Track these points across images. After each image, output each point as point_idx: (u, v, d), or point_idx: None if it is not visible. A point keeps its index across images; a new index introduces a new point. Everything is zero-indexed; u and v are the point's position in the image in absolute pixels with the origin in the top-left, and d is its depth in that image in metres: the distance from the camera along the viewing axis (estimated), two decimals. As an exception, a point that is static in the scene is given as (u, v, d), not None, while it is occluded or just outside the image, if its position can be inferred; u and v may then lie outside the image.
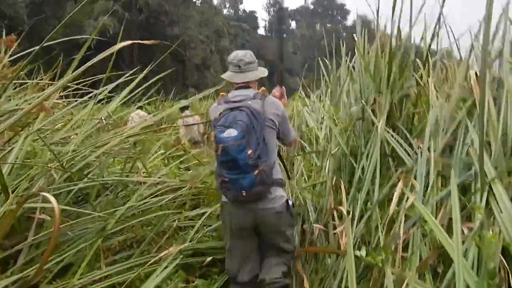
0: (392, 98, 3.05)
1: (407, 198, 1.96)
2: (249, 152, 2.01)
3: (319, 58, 5.76)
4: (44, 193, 1.59)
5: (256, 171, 2.03)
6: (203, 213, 3.04)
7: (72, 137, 2.82)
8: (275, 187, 2.19)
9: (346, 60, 4.65)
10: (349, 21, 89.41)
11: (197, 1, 43.04)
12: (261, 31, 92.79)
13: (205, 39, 39.02)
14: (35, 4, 31.14)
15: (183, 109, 6.92)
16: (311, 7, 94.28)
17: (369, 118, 3.13)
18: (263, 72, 2.42)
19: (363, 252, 1.83)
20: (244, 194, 2.06)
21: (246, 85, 2.32)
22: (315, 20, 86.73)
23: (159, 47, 35.27)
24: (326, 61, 5.27)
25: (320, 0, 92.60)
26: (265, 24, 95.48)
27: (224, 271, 2.55)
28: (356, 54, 4.22)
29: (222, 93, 2.33)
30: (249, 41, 72.01)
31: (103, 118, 3.14)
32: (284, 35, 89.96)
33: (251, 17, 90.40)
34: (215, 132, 2.08)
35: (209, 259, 2.63)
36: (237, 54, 2.33)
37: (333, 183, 2.80)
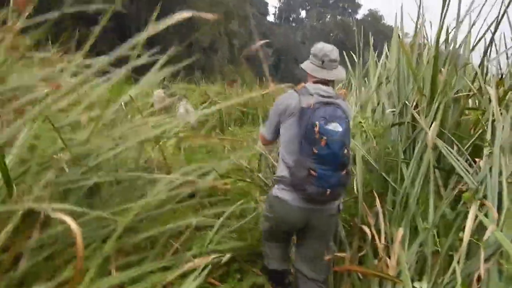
0: (440, 101, 2.75)
1: (476, 222, 1.67)
2: (346, 151, 2.00)
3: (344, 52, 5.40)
4: (59, 214, 1.30)
5: (345, 171, 2.02)
6: (223, 212, 2.77)
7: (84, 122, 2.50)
8: None
9: (374, 55, 4.32)
10: (359, 15, 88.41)
11: (208, -19, 42.05)
12: (270, 18, 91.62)
13: (214, 22, 38.30)
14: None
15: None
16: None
17: (409, 123, 2.83)
18: (343, 72, 2.29)
19: (423, 286, 1.55)
20: (328, 192, 1.99)
21: (326, 82, 2.20)
22: (326, 11, 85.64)
23: (167, 26, 34.62)
24: (353, 55, 4.94)
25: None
26: (275, 11, 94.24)
27: (241, 269, 2.50)
28: (390, 51, 3.91)
29: (302, 84, 2.23)
30: (258, 28, 71.08)
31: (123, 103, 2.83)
32: (293, 24, 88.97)
33: (262, 2, 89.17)
34: (320, 122, 1.97)
35: (228, 256, 2.36)
36: (324, 48, 2.19)
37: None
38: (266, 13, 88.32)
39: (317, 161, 1.97)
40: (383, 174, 2.59)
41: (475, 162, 2.21)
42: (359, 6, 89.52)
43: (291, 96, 2.16)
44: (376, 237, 2.13)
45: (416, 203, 2.19)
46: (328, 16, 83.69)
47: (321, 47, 2.20)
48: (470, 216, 1.67)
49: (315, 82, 2.19)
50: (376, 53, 4.39)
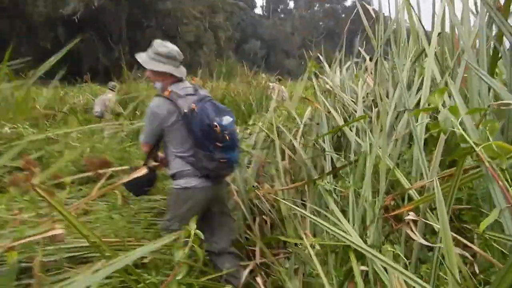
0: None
1: None
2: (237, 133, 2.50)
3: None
4: None
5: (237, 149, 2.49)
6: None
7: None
8: None
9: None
10: (348, 2, 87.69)
11: (190, -26, 40.84)
12: (258, 10, 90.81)
13: (198, 15, 37.14)
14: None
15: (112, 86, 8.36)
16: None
17: None
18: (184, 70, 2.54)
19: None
20: (233, 168, 2.53)
21: (181, 79, 2.45)
22: (314, 0, 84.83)
23: (150, 22, 33.64)
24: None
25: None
26: (262, 3, 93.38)
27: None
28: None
29: (169, 90, 2.35)
30: (245, 20, 69.99)
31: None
32: (282, 15, 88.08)
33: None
34: (216, 121, 2.26)
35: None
36: (171, 47, 2.40)
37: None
38: (253, 5, 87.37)
39: (222, 150, 2.29)
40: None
41: None
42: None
43: (165, 103, 2.29)
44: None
45: None
46: (317, 5, 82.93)
47: (168, 47, 2.38)
48: None
49: (174, 82, 2.40)
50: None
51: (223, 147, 2.27)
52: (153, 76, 2.39)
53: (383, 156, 2.09)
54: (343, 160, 2.86)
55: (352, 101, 3.39)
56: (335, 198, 2.45)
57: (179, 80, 2.40)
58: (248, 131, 4.69)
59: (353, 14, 4.00)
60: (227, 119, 2.29)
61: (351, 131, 2.97)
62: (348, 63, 4.49)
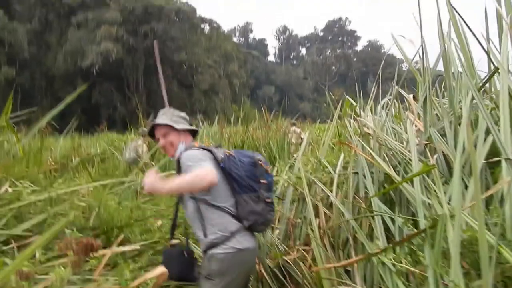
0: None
1: None
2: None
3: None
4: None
5: None
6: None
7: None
8: None
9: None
10: (359, 47, 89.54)
11: (205, 27, 42.28)
12: (271, 57, 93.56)
13: (213, 64, 37.91)
14: (36, 31, 30.49)
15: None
16: (321, 34, 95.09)
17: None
18: None
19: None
20: (274, 212, 2.36)
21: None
22: (325, 46, 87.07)
23: (166, 72, 34.39)
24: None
25: (330, 27, 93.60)
26: (275, 51, 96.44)
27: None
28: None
29: (196, 143, 2.34)
30: (259, 67, 71.65)
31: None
32: (294, 62, 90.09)
33: (261, 44, 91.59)
34: (257, 156, 2.23)
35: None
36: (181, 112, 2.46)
37: None
38: (266, 53, 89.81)
39: (267, 189, 2.19)
40: None
41: None
42: (358, 38, 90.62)
43: (202, 151, 2.18)
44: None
45: None
46: (328, 51, 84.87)
47: (178, 112, 2.42)
48: None
49: (192, 141, 2.38)
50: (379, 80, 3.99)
51: (268, 185, 2.18)
52: (176, 138, 2.29)
53: (480, 228, 1.43)
54: (400, 221, 2.25)
55: (401, 145, 2.83)
56: (403, 281, 1.80)
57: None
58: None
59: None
60: (259, 155, 2.26)
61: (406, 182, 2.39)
62: (382, 102, 3.98)
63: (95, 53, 29.65)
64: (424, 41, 2.99)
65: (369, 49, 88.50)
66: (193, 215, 2.13)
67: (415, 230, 1.99)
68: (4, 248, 2.53)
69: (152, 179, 2.05)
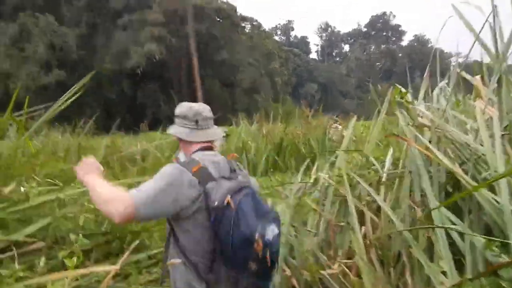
0: None
1: None
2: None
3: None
4: None
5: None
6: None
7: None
8: None
9: None
10: (404, 42, 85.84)
11: (246, 26, 42.20)
12: (313, 55, 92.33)
13: (254, 63, 37.70)
14: (84, 35, 31.81)
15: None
16: (364, 29, 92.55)
17: None
18: (219, 131, 1.84)
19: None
20: None
21: (210, 146, 1.78)
22: (369, 42, 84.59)
23: (208, 71, 34.57)
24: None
25: (374, 22, 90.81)
26: (317, 49, 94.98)
27: None
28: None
29: (199, 165, 1.62)
30: (300, 65, 70.66)
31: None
32: (337, 59, 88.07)
33: (303, 42, 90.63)
34: (259, 231, 1.49)
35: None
36: (193, 106, 1.79)
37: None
38: (308, 51, 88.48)
39: (256, 276, 1.53)
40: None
41: None
42: (403, 32, 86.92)
43: (191, 183, 1.55)
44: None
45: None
46: (373, 47, 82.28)
47: (188, 106, 1.79)
48: None
49: (195, 151, 1.72)
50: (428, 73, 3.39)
51: (258, 272, 1.51)
52: (181, 145, 1.81)
53: None
54: (480, 242, 1.70)
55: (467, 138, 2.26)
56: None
57: (205, 147, 1.75)
58: (311, 180, 3.66)
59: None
60: (272, 231, 1.55)
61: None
62: (439, 85, 3.38)
63: (139, 54, 30.42)
64: (496, 7, 2.39)
65: (415, 43, 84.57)
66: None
67: (503, 256, 1.45)
68: (2, 256, 2.26)
69: (85, 167, 1.64)
